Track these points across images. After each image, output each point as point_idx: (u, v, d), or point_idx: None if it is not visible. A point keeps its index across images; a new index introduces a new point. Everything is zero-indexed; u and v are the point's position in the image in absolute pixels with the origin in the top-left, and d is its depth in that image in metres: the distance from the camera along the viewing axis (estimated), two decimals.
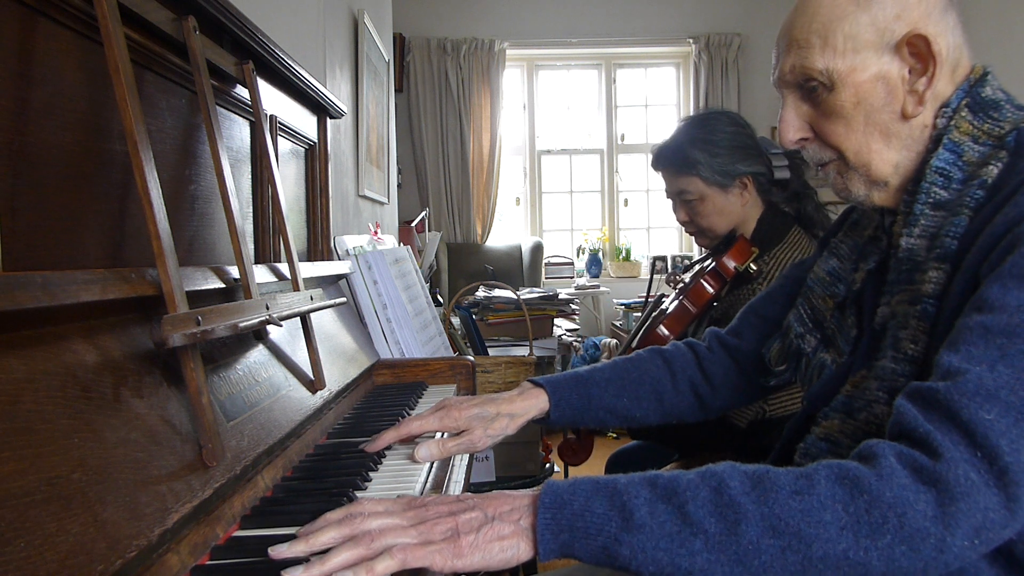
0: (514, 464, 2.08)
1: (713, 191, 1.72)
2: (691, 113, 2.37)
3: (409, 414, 1.32)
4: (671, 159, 1.76)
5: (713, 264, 1.73)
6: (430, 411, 1.10)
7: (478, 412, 1.09)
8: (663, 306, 1.86)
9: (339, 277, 1.63)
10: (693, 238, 1.87)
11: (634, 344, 1.81)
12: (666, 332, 1.75)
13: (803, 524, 0.68)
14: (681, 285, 1.82)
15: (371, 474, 0.98)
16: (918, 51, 0.90)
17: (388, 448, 1.08)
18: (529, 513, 0.73)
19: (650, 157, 1.86)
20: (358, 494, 0.90)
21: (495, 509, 0.74)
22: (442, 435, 1.12)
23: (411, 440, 1.10)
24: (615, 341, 4.80)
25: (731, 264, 1.70)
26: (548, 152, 5.93)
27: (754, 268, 1.69)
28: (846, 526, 0.68)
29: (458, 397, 1.13)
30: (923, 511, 0.67)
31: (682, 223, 1.83)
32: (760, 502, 0.70)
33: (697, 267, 1.82)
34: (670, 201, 1.83)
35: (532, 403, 1.14)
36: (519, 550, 0.72)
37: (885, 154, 0.94)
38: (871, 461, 0.71)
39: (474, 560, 0.71)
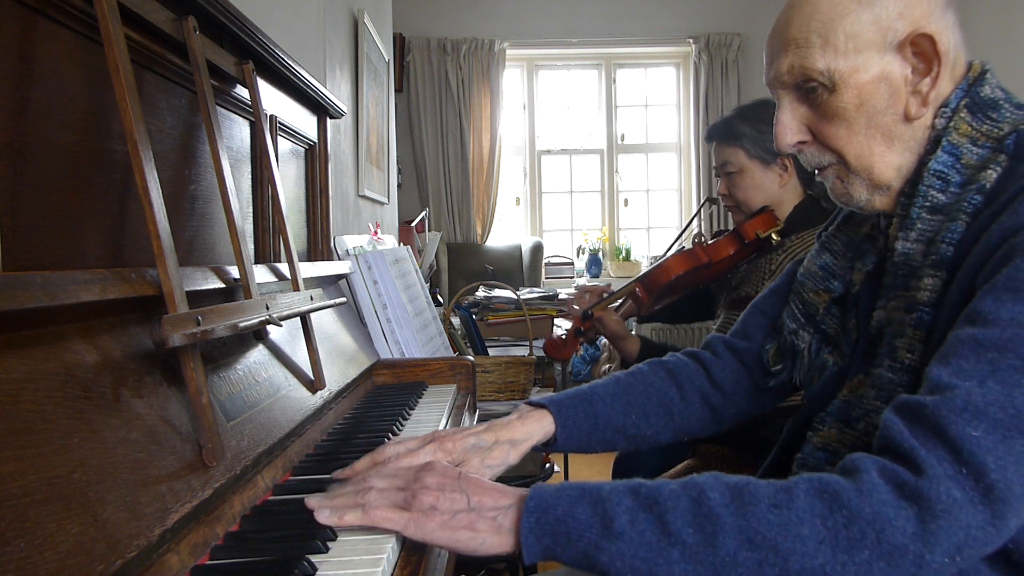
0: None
1: (754, 165, 1.77)
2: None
3: (409, 415, 1.32)
4: (720, 131, 1.82)
5: (736, 227, 1.78)
6: (419, 443, 0.96)
7: (474, 442, 0.97)
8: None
9: (339, 277, 1.63)
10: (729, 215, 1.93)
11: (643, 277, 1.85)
12: (671, 267, 1.80)
13: (780, 538, 0.68)
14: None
15: None
16: (922, 51, 0.88)
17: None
18: (511, 513, 0.75)
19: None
20: None
21: (479, 500, 0.76)
22: None
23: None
24: None
25: (753, 229, 1.74)
26: (548, 152, 5.92)
27: (776, 238, 1.72)
28: (824, 540, 0.68)
29: (450, 429, 1.03)
30: (902, 527, 0.67)
31: (721, 195, 1.88)
32: (738, 514, 0.70)
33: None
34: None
35: (535, 427, 1.03)
36: (485, 543, 0.75)
37: (888, 157, 0.91)
38: (853, 475, 0.71)
39: (438, 538, 0.75)
